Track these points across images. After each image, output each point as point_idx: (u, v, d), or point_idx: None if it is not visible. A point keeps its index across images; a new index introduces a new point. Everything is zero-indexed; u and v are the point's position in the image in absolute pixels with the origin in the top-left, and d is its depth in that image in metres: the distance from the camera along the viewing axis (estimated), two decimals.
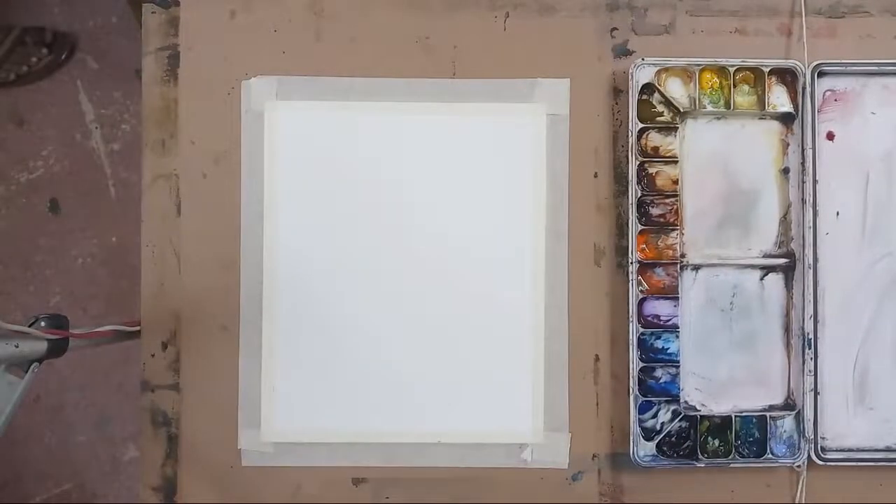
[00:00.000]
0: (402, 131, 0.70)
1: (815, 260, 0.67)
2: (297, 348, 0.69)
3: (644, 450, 0.66)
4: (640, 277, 0.67)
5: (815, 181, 0.67)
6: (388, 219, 0.70)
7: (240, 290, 0.69)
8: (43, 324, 0.59)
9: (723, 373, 0.69)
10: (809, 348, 0.67)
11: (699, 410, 0.68)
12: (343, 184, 0.70)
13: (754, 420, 0.67)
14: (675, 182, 0.68)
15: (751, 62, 0.68)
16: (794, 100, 0.68)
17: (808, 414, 0.66)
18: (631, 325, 0.67)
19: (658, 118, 0.68)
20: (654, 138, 0.68)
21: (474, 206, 0.70)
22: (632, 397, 0.66)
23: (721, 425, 0.67)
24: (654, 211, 0.68)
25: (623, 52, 0.70)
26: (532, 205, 0.69)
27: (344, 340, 0.69)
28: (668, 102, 0.68)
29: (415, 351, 0.69)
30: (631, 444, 0.66)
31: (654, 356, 0.67)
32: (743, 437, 0.67)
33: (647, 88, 0.68)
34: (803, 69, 0.67)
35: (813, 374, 0.67)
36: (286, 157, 0.69)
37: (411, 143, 0.70)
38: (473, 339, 0.69)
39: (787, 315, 0.69)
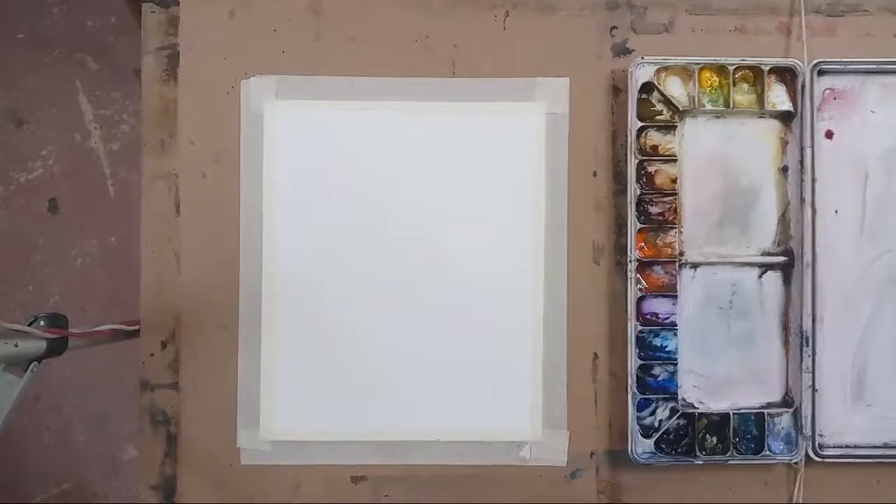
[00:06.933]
0: (402, 130, 0.70)
1: (814, 258, 0.67)
2: (296, 347, 0.69)
3: (642, 447, 0.67)
4: (638, 275, 0.67)
5: (814, 179, 0.67)
6: (388, 217, 0.70)
7: (239, 289, 0.69)
8: (42, 323, 0.59)
9: (721, 370, 0.69)
10: (807, 346, 0.67)
11: (697, 408, 0.68)
12: (342, 183, 0.70)
13: (752, 417, 0.67)
14: (674, 180, 0.68)
15: (750, 61, 0.68)
16: (793, 98, 0.68)
17: (806, 411, 0.67)
18: (629, 323, 0.67)
19: (657, 117, 0.68)
20: (654, 137, 0.68)
21: (474, 204, 0.70)
22: (630, 395, 0.66)
23: (719, 423, 0.67)
24: (653, 209, 0.68)
25: (622, 50, 0.70)
26: (531, 203, 0.69)
27: (343, 339, 0.69)
28: (667, 101, 0.68)
29: (413, 349, 0.69)
30: (629, 441, 0.66)
31: (652, 354, 0.67)
32: (741, 434, 0.67)
33: (647, 87, 0.68)
34: (803, 68, 0.67)
35: (811, 371, 0.67)
36: (286, 156, 0.70)
37: (411, 142, 0.70)
38: (472, 337, 0.69)
39: (786, 313, 0.69)
